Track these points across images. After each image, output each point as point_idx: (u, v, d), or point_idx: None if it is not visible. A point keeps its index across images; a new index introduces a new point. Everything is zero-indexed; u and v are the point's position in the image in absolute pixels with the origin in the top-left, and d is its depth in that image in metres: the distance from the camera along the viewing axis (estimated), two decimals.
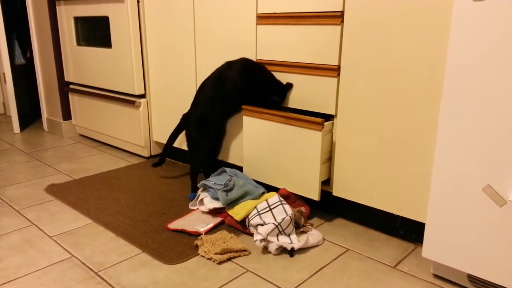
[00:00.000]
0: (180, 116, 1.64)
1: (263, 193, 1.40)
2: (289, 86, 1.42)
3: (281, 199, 1.31)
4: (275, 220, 1.24)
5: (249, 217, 1.30)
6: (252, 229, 1.30)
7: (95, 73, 2.18)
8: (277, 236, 1.22)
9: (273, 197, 1.32)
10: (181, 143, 1.78)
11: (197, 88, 1.74)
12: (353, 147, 1.30)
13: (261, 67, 1.46)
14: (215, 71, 1.54)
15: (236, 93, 1.47)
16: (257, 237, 1.23)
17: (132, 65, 1.93)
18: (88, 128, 2.39)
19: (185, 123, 1.63)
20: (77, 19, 2.22)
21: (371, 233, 1.35)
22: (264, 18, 1.44)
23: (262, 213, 1.28)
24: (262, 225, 1.24)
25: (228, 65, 1.50)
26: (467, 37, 0.89)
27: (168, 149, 1.75)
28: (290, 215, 1.24)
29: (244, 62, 1.47)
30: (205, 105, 1.54)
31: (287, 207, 1.27)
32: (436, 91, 1.10)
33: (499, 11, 0.84)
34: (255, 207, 1.30)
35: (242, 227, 1.34)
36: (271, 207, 1.28)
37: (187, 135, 1.63)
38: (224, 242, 1.23)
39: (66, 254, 1.22)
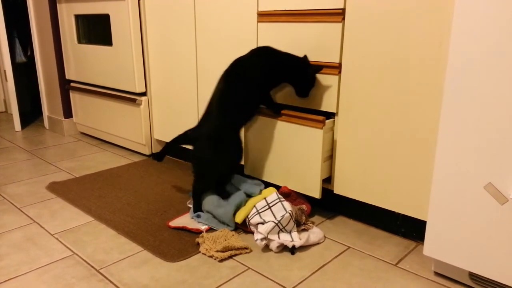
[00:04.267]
0: (182, 115, 1.61)
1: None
2: (306, 58, 1.34)
3: (280, 196, 1.31)
4: (275, 218, 1.24)
5: (249, 216, 1.30)
6: (252, 228, 1.30)
7: (96, 71, 2.18)
8: (278, 233, 1.22)
9: (272, 195, 1.31)
10: None
11: (198, 86, 1.75)
12: (354, 145, 1.30)
13: (276, 50, 1.36)
14: (223, 75, 1.35)
15: (264, 79, 1.34)
16: (257, 236, 1.23)
17: (133, 62, 1.93)
18: (89, 126, 2.39)
19: (192, 139, 1.40)
20: (77, 17, 2.22)
21: (372, 231, 1.35)
22: (265, 16, 1.43)
23: (262, 211, 1.28)
24: (262, 223, 1.24)
25: (242, 59, 1.35)
26: (469, 35, 0.89)
27: (169, 150, 1.54)
28: (289, 211, 1.23)
29: (262, 49, 1.37)
30: (222, 115, 1.33)
31: (286, 204, 1.27)
32: (438, 89, 1.09)
33: (501, 10, 0.84)
34: (254, 206, 1.30)
35: (243, 225, 1.34)
36: (270, 205, 1.28)
37: (195, 152, 1.38)
38: (225, 240, 1.23)
39: (67, 252, 1.22)
